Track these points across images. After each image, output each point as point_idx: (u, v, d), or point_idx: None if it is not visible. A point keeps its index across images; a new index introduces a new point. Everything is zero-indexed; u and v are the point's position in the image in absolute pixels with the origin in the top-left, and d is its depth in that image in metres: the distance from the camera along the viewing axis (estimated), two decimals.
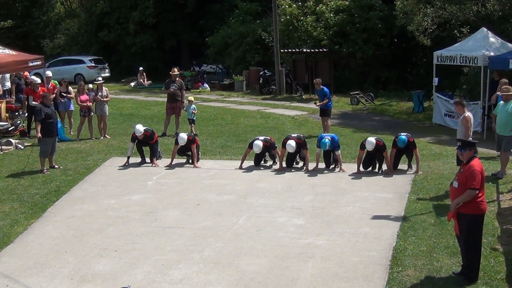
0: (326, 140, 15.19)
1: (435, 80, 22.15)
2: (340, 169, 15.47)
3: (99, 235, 11.68)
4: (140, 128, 16.13)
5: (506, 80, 16.37)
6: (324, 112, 19.39)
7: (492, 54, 19.87)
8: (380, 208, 12.57)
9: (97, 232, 11.84)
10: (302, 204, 12.95)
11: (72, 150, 18.47)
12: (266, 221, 12.14)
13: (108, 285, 9.48)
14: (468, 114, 13.69)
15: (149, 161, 16.63)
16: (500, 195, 13.27)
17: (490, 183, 13.87)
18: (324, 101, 19.37)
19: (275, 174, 15.44)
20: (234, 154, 17.56)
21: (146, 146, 16.72)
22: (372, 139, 14.76)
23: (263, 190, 14.01)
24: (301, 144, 15.62)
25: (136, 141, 16.36)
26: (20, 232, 11.98)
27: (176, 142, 16.27)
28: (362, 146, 15.04)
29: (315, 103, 20.62)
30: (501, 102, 14.68)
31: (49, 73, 22.54)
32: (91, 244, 11.27)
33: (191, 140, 16.22)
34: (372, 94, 28.18)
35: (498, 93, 15.66)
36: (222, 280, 9.69)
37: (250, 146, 15.91)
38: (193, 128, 20.59)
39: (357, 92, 27.97)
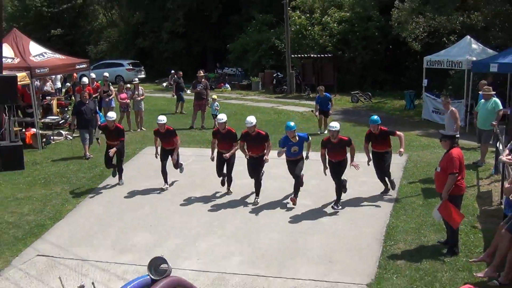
0: (292, 124, 12.05)
1: (425, 81, 22.11)
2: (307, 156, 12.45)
3: (137, 212, 11.87)
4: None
5: (486, 82, 16.44)
6: (325, 113, 19.34)
7: (474, 58, 19.83)
8: (376, 191, 12.63)
9: (135, 210, 12.03)
10: (309, 187, 13.01)
11: None
12: (278, 202, 12.27)
13: (144, 254, 9.62)
14: (454, 108, 13.96)
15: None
16: (480, 181, 13.27)
17: (471, 170, 13.89)
18: (331, 106, 19.66)
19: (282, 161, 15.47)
20: None
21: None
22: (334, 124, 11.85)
23: (276, 175, 14.04)
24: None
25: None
26: (70, 209, 12.20)
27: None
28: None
29: (330, 112, 19.90)
30: (482, 100, 14.71)
31: (92, 74, 22.69)
32: (129, 220, 11.47)
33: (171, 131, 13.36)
34: (370, 94, 28.15)
35: (479, 92, 15.64)
36: (241, 250, 9.86)
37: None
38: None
39: (357, 91, 27.94)
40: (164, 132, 13.23)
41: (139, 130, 20.44)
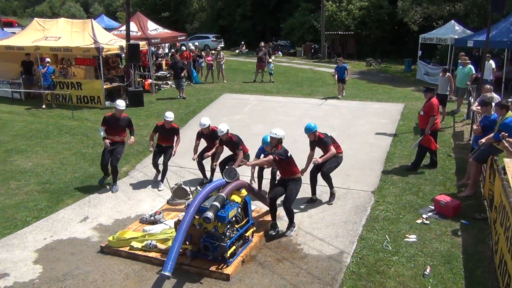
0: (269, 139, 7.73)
1: (420, 52, 21.12)
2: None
3: None
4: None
5: (463, 53, 15.64)
6: (342, 80, 16.53)
7: (456, 37, 18.78)
8: (381, 128, 12.31)
9: None
10: (334, 124, 12.80)
11: (202, 89, 18.68)
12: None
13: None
14: (449, 74, 13.44)
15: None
16: (455, 124, 12.75)
17: (449, 116, 13.35)
18: (347, 75, 16.70)
19: (319, 106, 15.18)
20: (295, 94, 17.36)
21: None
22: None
23: (311, 115, 13.88)
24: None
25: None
26: None
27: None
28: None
29: (346, 79, 16.73)
30: (460, 66, 13.95)
31: (190, 44, 22.65)
32: None
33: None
34: (379, 60, 27.13)
35: (459, 60, 14.77)
36: None
37: (198, 137, 9.01)
38: (272, 78, 20.35)
39: (371, 58, 26.95)
40: (168, 129, 8.87)
41: (221, 82, 20.31)
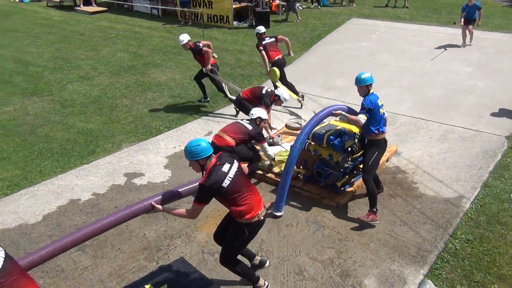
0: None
1: None
2: None
3: (340, 64, 11.57)
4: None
5: None
6: (470, 21, 12.30)
7: None
8: None
9: (339, 62, 11.73)
10: (472, 58, 11.53)
11: (329, 12, 17.91)
12: (445, 66, 11.09)
13: (342, 93, 9.54)
14: None
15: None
16: None
17: None
18: (479, 16, 12.27)
19: (456, 36, 13.69)
20: (431, 21, 15.78)
21: None
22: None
23: (446, 46, 12.64)
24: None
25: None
26: (295, 58, 12.21)
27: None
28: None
29: (478, 23, 12.49)
30: None
31: None
32: (334, 69, 11.24)
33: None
34: None
35: None
36: (411, 99, 9.27)
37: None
38: (406, 2, 18.54)
39: None
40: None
41: (349, 5, 19.22)
